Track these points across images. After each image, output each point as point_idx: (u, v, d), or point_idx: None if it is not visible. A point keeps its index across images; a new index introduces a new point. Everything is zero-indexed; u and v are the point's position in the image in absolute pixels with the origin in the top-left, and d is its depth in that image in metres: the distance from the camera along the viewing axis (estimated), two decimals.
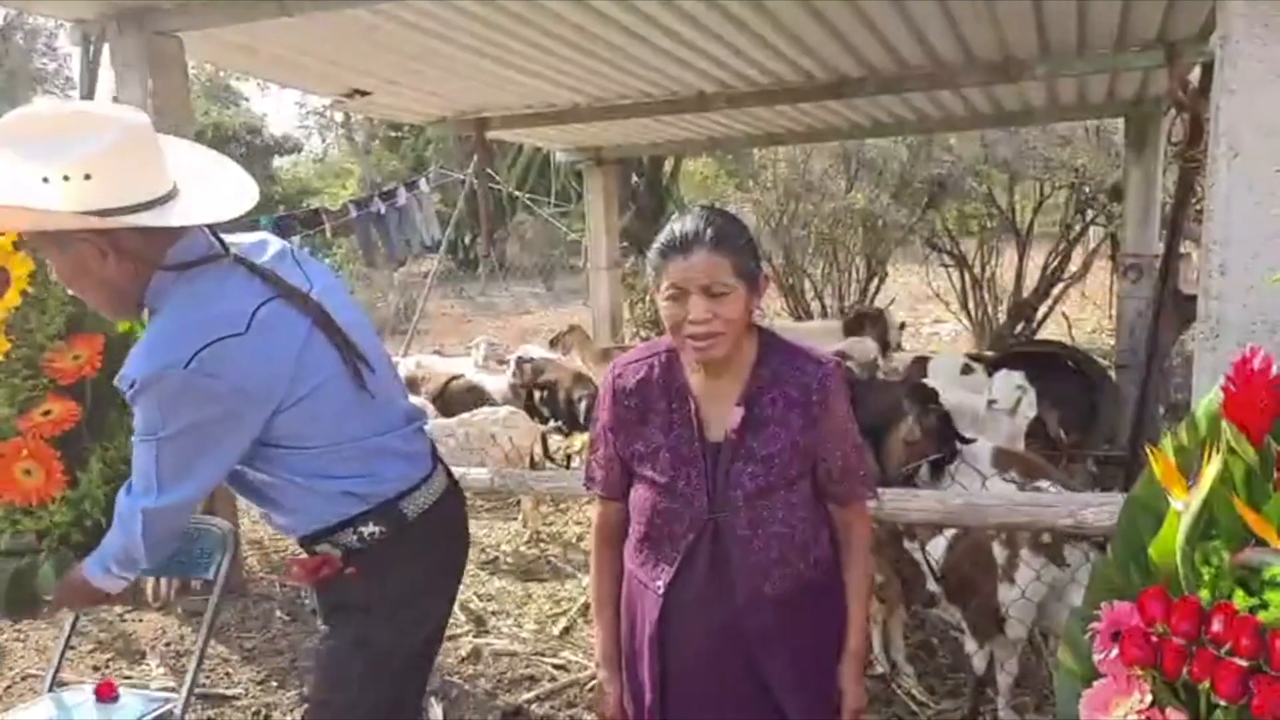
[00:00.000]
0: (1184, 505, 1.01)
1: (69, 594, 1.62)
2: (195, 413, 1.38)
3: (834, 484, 1.51)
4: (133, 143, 1.37)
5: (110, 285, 1.43)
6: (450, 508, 1.70)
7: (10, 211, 1.34)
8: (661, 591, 1.49)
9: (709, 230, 1.38)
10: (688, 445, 1.47)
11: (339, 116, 22.38)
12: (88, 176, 1.32)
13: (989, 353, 6.30)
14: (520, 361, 6.01)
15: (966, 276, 8.72)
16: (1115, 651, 0.96)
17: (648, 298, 8.69)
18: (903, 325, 7.19)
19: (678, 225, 1.41)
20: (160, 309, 1.43)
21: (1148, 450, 1.08)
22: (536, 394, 6.02)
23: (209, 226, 1.49)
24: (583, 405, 5.38)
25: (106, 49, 3.24)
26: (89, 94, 3.34)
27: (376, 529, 1.55)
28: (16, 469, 1.64)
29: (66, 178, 1.32)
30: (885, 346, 6.04)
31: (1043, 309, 8.26)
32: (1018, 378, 3.91)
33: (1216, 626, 0.92)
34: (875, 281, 9.48)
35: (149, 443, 1.42)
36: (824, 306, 9.45)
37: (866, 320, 6.45)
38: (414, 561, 1.60)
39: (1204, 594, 0.98)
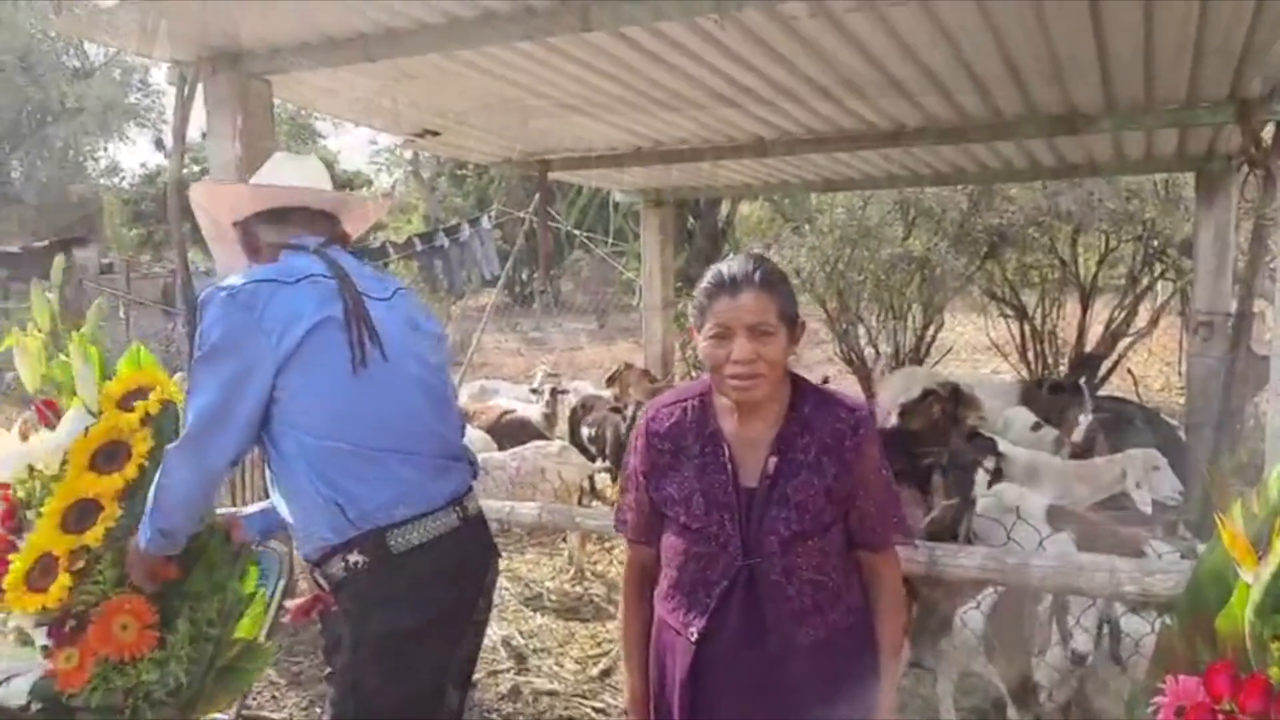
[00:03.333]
0: (1254, 577, 0.98)
1: (132, 559, 1.74)
2: (219, 336, 1.53)
3: (866, 530, 1.49)
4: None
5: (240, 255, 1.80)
6: (451, 550, 1.63)
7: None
8: (695, 639, 1.47)
9: (758, 272, 1.43)
10: (721, 490, 1.47)
11: (407, 154, 23.11)
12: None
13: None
14: (554, 391, 6.28)
15: (1026, 328, 8.53)
16: None
17: None
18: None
19: (724, 267, 1.46)
20: None
21: (1215, 518, 1.05)
22: (585, 431, 6.06)
23: (319, 251, 1.72)
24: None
25: (200, 88, 3.44)
26: (181, 128, 3.55)
27: (360, 558, 1.56)
28: (115, 624, 1.73)
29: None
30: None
31: (1106, 364, 8.02)
32: (1155, 457, 3.84)
33: None
34: (932, 330, 9.34)
35: (196, 364, 1.57)
36: (877, 352, 9.32)
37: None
38: (400, 601, 1.56)
39: (1274, 671, 0.94)
